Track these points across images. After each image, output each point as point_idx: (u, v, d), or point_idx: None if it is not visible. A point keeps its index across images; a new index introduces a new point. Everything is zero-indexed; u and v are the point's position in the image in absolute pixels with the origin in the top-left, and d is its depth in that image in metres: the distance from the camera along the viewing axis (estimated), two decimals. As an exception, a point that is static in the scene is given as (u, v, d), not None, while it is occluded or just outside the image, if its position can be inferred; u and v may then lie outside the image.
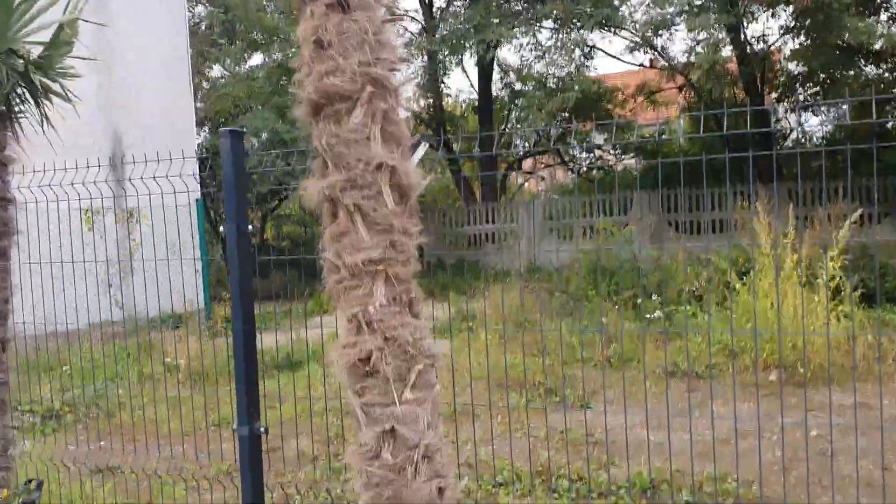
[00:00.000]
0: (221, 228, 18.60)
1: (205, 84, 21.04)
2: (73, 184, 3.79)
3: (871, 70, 15.42)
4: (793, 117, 17.31)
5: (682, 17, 13.58)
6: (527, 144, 21.09)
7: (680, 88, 17.32)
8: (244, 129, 3.27)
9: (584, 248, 11.53)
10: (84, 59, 3.47)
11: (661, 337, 8.23)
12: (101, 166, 3.79)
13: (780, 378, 6.46)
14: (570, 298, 9.73)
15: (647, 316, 8.34)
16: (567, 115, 19.69)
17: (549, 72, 17.46)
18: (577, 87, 15.44)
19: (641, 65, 19.51)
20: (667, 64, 16.79)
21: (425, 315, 2.27)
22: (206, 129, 20.22)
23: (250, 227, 3.01)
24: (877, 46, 13.19)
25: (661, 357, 7.49)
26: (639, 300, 8.91)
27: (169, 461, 5.20)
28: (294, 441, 5.39)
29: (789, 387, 6.61)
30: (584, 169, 23.80)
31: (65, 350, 7.22)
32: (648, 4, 14.66)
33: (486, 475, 4.72)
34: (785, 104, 16.86)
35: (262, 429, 3.02)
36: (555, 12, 14.90)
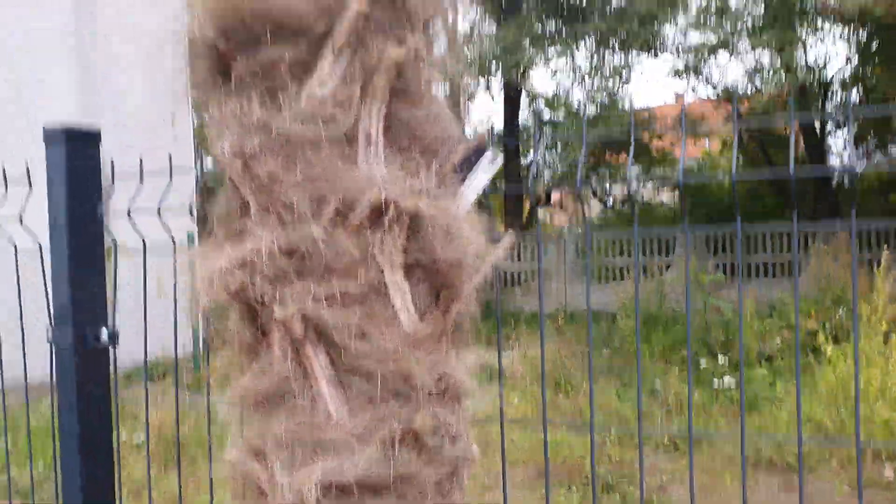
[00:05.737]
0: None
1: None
2: None
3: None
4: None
5: (738, 38, 12.23)
6: (553, 177, 19.57)
7: (727, 119, 15.96)
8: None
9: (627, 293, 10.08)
10: None
11: (732, 411, 6.80)
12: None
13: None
14: (616, 355, 8.32)
15: (716, 381, 6.92)
16: (599, 145, 18.60)
17: (583, 98, 16.28)
18: (614, 113, 14.24)
19: (681, 94, 18.23)
20: (714, 90, 15.43)
21: None
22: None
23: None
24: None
25: (737, 437, 6.08)
26: (702, 362, 7.49)
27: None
28: None
29: (915, 492, 5.16)
30: (615, 202, 22.62)
31: (20, 409, 5.57)
32: (698, 25, 13.32)
33: None
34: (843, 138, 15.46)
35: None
36: (595, 31, 13.66)
